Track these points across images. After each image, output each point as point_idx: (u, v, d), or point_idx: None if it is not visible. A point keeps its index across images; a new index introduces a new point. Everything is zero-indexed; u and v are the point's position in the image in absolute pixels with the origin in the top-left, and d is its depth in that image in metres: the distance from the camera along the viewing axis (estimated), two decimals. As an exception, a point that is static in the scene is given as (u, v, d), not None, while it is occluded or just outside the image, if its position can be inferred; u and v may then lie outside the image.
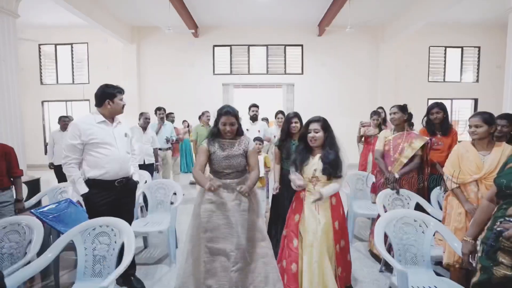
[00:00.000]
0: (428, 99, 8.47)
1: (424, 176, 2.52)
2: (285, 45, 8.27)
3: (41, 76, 8.54)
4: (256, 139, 3.39)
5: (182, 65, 8.23)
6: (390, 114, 2.61)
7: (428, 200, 2.42)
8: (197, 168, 1.90)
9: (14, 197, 2.34)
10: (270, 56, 8.31)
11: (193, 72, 8.25)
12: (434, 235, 1.96)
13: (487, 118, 1.77)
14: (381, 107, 4.47)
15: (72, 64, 8.61)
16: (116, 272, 1.42)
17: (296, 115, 2.57)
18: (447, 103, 8.58)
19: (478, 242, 1.22)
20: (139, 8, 6.85)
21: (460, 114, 8.65)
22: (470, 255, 1.28)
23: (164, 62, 8.26)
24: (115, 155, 1.99)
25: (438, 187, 2.48)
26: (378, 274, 2.35)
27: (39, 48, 8.47)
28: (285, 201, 2.39)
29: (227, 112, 1.90)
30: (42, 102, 8.58)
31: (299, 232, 1.84)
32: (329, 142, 1.85)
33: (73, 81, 8.62)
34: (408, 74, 8.33)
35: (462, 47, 8.41)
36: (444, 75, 8.52)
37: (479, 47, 8.38)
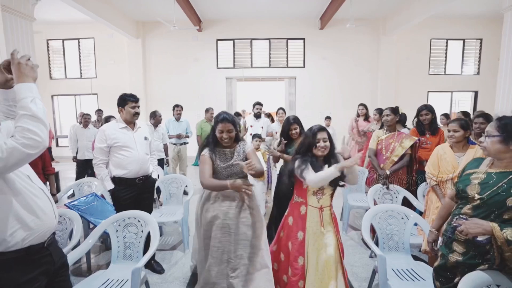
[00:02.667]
0: (428, 91, 8.63)
1: (412, 172, 2.79)
2: (287, 39, 8.38)
3: (50, 70, 8.79)
4: (255, 136, 3.58)
5: (186, 59, 8.42)
6: (383, 116, 2.86)
7: (416, 194, 2.69)
8: (207, 177, 1.83)
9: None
10: (273, 49, 8.45)
11: (197, 66, 8.43)
12: (417, 226, 2.26)
13: (464, 124, 2.03)
14: (363, 104, 4.63)
15: (80, 59, 8.83)
16: (148, 255, 1.73)
17: (296, 120, 2.57)
18: (447, 96, 8.77)
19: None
20: (144, 4, 6.98)
21: (460, 107, 8.79)
22: (433, 243, 1.56)
23: (169, 56, 8.44)
24: (135, 157, 2.27)
25: (425, 183, 2.74)
26: (368, 259, 2.67)
27: (47, 43, 8.67)
28: (284, 202, 2.33)
29: (224, 119, 1.85)
30: (52, 96, 8.87)
31: (305, 250, 1.75)
32: (332, 152, 1.79)
33: (81, 76, 8.86)
34: (408, 67, 8.44)
35: (463, 40, 8.45)
36: (445, 68, 8.61)
37: (481, 39, 8.42)
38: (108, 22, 6.83)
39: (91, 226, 2.58)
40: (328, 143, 1.75)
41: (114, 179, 2.26)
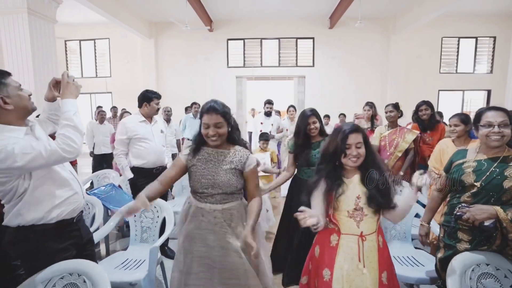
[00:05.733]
0: (439, 90, 8.54)
1: (414, 166, 2.86)
2: (297, 38, 8.46)
3: (67, 70, 9.16)
4: (263, 135, 3.42)
5: (197, 58, 8.61)
6: (386, 112, 2.93)
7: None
8: (157, 181, 1.44)
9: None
10: (282, 49, 8.55)
11: (208, 65, 8.62)
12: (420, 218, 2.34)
13: (464, 119, 2.10)
14: (371, 102, 4.57)
15: (95, 59, 9.17)
16: (164, 236, 1.88)
17: (314, 112, 2.04)
18: (458, 95, 8.66)
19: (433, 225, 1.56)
20: (157, 5, 7.21)
21: (472, 106, 8.66)
22: (425, 236, 1.60)
23: (180, 56, 8.66)
24: (153, 148, 2.44)
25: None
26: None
27: (65, 44, 9.04)
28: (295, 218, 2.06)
29: (211, 108, 1.36)
30: (69, 94, 9.23)
31: None
32: (370, 158, 1.31)
33: (96, 75, 9.20)
34: (419, 66, 8.38)
35: (476, 38, 8.33)
36: (457, 66, 8.51)
37: (494, 37, 8.28)
38: (123, 23, 7.08)
39: (110, 213, 2.77)
40: (363, 150, 1.27)
41: (133, 169, 2.43)
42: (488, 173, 1.32)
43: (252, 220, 1.38)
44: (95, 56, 9.17)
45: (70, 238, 1.36)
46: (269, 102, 4.62)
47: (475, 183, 1.35)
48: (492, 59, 8.37)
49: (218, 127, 1.37)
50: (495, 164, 1.32)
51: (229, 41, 8.57)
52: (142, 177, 2.43)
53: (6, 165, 1.07)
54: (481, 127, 1.36)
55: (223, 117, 1.37)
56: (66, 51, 9.08)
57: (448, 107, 8.03)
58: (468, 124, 2.11)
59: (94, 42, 9.08)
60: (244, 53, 8.62)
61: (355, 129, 1.29)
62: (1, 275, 1.48)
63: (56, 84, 1.40)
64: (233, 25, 8.41)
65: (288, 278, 2.09)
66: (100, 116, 4.79)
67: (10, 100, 1.15)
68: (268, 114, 4.66)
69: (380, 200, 1.25)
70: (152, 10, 7.57)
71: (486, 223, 1.26)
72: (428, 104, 2.92)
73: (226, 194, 1.41)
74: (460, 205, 1.37)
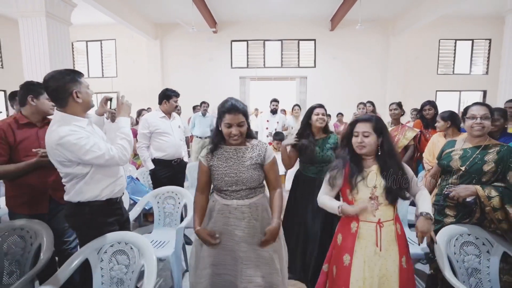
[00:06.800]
0: (437, 91, 8.79)
1: (413, 160, 3.09)
2: (299, 40, 8.70)
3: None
4: (276, 135, 3.60)
5: (202, 59, 8.83)
6: (391, 110, 3.17)
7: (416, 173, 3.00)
8: (198, 192, 1.50)
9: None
10: (284, 50, 8.78)
11: (212, 66, 8.84)
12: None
13: (444, 116, 2.41)
14: (370, 101, 4.84)
15: (102, 59, 9.39)
16: (187, 219, 2.10)
17: (322, 106, 2.08)
18: (455, 95, 8.91)
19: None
20: (162, 7, 7.42)
21: (468, 106, 8.91)
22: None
23: (185, 56, 8.87)
24: (172, 142, 2.67)
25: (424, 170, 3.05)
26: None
27: (72, 45, 9.24)
28: (301, 211, 2.07)
29: (233, 108, 1.35)
30: (76, 94, 9.45)
31: (350, 280, 1.31)
32: (387, 150, 1.36)
33: (102, 75, 9.41)
34: (417, 67, 8.62)
35: (472, 40, 8.58)
36: (454, 67, 8.76)
37: (490, 40, 8.53)
38: (129, 24, 7.26)
39: (130, 202, 2.99)
40: (367, 140, 1.33)
41: (154, 160, 2.66)
42: (471, 159, 1.57)
43: (277, 213, 1.42)
44: (102, 56, 9.38)
45: (115, 214, 1.59)
46: (275, 100, 4.78)
47: (461, 167, 1.59)
48: (488, 61, 8.62)
49: (241, 126, 1.38)
50: (478, 151, 1.56)
51: (233, 43, 8.80)
52: (162, 167, 2.67)
53: (76, 155, 1.32)
54: (467, 119, 1.60)
55: (245, 116, 1.39)
56: (73, 51, 9.29)
57: (446, 107, 8.24)
58: (448, 121, 2.37)
59: (101, 43, 9.29)
60: (247, 54, 8.85)
61: (366, 118, 1.37)
62: (57, 248, 1.71)
63: (106, 101, 1.70)
64: (237, 27, 8.64)
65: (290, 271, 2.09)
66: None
67: (81, 95, 1.39)
68: (274, 112, 4.81)
69: (397, 192, 1.32)
70: (158, 12, 7.78)
71: (468, 199, 1.51)
72: (432, 104, 3.15)
73: (250, 189, 1.43)
74: (447, 186, 1.64)
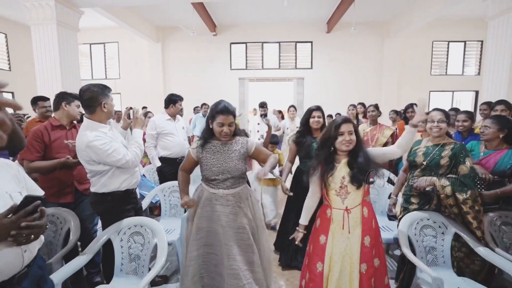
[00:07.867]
0: (430, 91, 9.07)
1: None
2: (296, 42, 8.98)
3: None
4: (272, 140, 3.48)
5: (202, 61, 9.11)
6: (369, 112, 3.46)
7: (397, 173, 3.27)
8: (181, 171, 1.79)
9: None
10: (282, 52, 9.06)
11: (212, 67, 9.12)
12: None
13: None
14: (361, 103, 5.03)
15: (105, 61, 9.68)
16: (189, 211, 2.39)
17: (319, 108, 2.31)
18: (448, 95, 9.19)
19: (399, 198, 2.11)
20: (164, 11, 7.68)
21: (461, 106, 9.19)
22: (393, 206, 2.14)
23: (186, 59, 9.15)
24: (177, 141, 2.97)
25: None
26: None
27: (77, 47, 9.53)
28: (299, 204, 2.12)
29: (226, 110, 1.59)
30: (80, 95, 9.74)
31: (326, 257, 1.54)
32: (359, 146, 1.55)
33: (105, 77, 9.70)
34: (411, 68, 8.89)
35: (465, 42, 8.84)
36: (446, 69, 9.02)
37: (481, 41, 8.79)
38: (132, 28, 7.54)
39: (139, 196, 3.29)
40: (354, 137, 1.53)
41: (161, 159, 2.95)
42: (431, 155, 1.86)
43: (268, 166, 1.61)
44: (105, 59, 9.66)
45: (131, 203, 1.89)
46: (261, 106, 4.63)
47: (423, 162, 1.88)
48: (480, 62, 8.88)
49: (231, 126, 1.61)
50: (437, 148, 1.85)
51: (232, 45, 9.08)
52: (168, 165, 2.96)
53: (100, 157, 1.62)
54: (428, 122, 1.89)
55: (234, 116, 1.63)
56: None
57: (439, 107, 8.51)
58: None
59: (104, 46, 9.57)
60: (246, 56, 9.13)
61: (347, 119, 1.56)
62: (83, 234, 2.00)
63: (128, 115, 2.07)
64: (236, 30, 8.92)
65: (286, 259, 2.44)
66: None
67: (107, 106, 1.69)
68: (264, 116, 4.66)
69: (360, 177, 1.49)
70: (160, 16, 8.05)
71: (428, 189, 1.80)
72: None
73: (234, 178, 1.65)
74: (412, 178, 1.95)
